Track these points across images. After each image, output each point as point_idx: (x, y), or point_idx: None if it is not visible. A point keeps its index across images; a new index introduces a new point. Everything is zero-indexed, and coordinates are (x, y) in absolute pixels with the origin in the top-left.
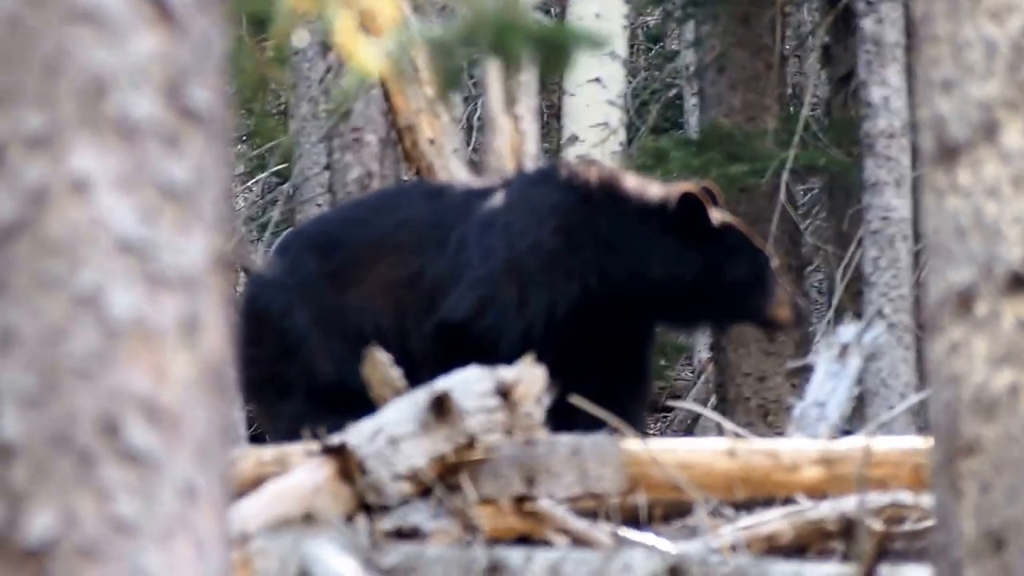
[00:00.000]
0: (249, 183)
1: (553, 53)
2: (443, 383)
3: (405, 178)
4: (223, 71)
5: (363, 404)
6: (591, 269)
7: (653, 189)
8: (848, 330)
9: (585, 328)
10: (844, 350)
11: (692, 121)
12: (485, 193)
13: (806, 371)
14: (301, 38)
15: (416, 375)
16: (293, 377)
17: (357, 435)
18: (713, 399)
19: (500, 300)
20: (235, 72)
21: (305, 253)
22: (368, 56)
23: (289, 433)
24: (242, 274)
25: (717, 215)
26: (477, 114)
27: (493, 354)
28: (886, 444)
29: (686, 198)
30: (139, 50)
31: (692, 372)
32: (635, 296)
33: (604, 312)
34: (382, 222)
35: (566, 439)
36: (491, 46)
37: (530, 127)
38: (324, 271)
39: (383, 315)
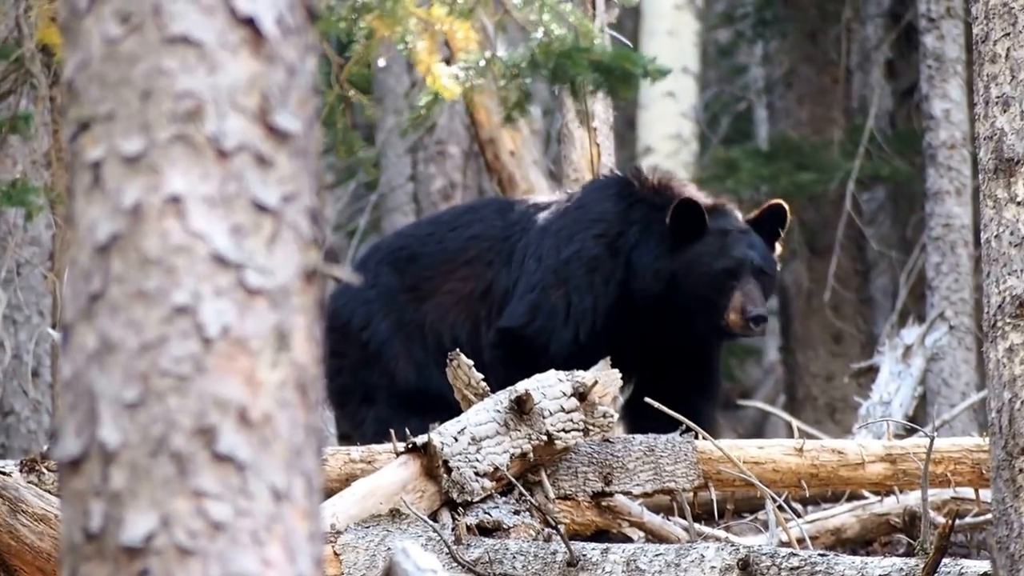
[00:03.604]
0: (338, 192)
1: (618, 80)
2: (523, 385)
3: (487, 189)
4: (312, 93)
5: (443, 407)
6: (618, 277)
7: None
8: (911, 332)
9: (630, 331)
10: (908, 351)
11: (762, 133)
12: (550, 205)
13: (871, 371)
14: (381, 60)
15: (492, 382)
16: (376, 384)
17: (442, 435)
18: (782, 398)
19: (549, 305)
20: (320, 91)
21: (384, 267)
22: (446, 78)
23: (375, 438)
24: (330, 284)
25: (716, 223)
26: (556, 126)
27: (545, 356)
28: (948, 442)
29: (678, 206)
30: (233, 74)
31: (762, 372)
32: (637, 305)
33: (634, 317)
34: (455, 237)
35: (641, 438)
36: (554, 73)
37: (605, 139)
38: (402, 285)
39: (459, 326)
